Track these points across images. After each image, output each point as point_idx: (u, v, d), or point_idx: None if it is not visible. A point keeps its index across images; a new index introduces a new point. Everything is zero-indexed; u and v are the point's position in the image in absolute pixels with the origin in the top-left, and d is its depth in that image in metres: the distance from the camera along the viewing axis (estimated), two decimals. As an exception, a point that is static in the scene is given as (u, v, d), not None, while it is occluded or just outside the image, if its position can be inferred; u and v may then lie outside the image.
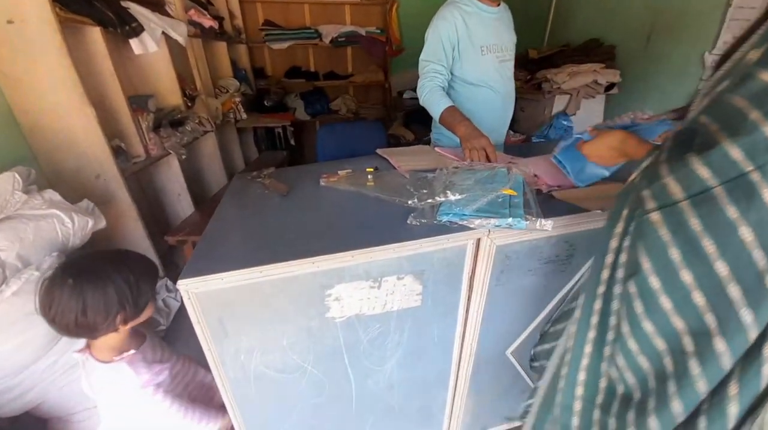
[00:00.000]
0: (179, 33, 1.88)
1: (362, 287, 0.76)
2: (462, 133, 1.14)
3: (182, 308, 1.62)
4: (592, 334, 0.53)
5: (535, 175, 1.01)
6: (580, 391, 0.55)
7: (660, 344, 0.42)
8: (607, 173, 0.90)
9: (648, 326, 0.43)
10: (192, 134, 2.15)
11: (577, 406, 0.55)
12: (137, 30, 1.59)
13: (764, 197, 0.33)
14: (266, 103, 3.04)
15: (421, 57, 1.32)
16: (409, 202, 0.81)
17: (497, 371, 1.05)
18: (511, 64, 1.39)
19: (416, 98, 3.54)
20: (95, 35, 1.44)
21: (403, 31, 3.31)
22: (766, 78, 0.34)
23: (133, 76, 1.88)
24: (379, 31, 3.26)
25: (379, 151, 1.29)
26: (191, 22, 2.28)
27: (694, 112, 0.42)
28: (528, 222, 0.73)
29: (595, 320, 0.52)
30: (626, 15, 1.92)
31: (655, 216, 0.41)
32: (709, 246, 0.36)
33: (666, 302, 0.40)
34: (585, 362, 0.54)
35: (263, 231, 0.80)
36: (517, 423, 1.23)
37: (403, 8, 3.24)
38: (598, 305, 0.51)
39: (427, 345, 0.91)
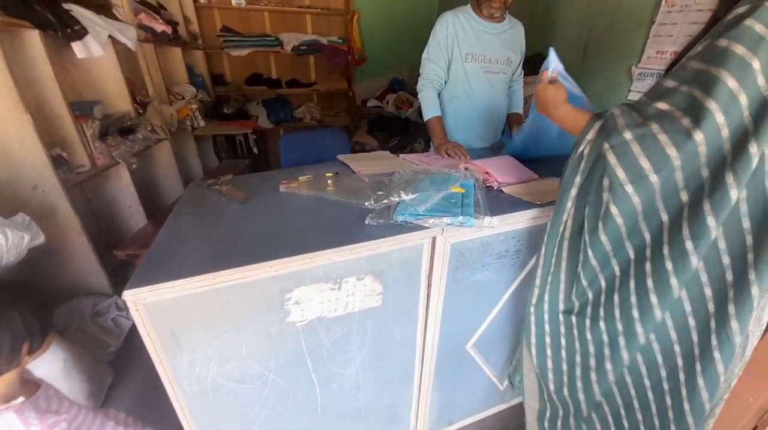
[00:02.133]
0: (128, 37, 1.80)
1: (322, 290, 0.77)
2: (437, 143, 1.41)
3: (135, 328, 1.51)
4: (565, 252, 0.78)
5: (487, 173, 1.08)
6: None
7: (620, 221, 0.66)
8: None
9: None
10: (144, 142, 2.04)
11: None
12: (80, 33, 1.50)
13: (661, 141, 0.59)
14: (226, 111, 2.96)
15: (423, 54, 1.47)
16: (366, 203, 0.84)
17: (459, 366, 1.09)
18: (502, 77, 1.51)
19: (380, 107, 3.59)
20: (33, 39, 1.35)
21: (364, 42, 3.38)
22: (695, 65, 0.57)
23: (78, 82, 1.77)
24: (340, 41, 3.30)
25: (340, 157, 1.31)
26: (142, 26, 2.18)
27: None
28: (477, 220, 0.78)
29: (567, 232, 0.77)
30: (565, 32, 2.11)
31: (633, 141, 0.62)
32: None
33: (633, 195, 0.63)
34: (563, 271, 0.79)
35: (219, 238, 0.79)
36: (481, 415, 1.28)
37: (363, 20, 3.31)
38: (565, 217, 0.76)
39: (390, 344, 0.93)
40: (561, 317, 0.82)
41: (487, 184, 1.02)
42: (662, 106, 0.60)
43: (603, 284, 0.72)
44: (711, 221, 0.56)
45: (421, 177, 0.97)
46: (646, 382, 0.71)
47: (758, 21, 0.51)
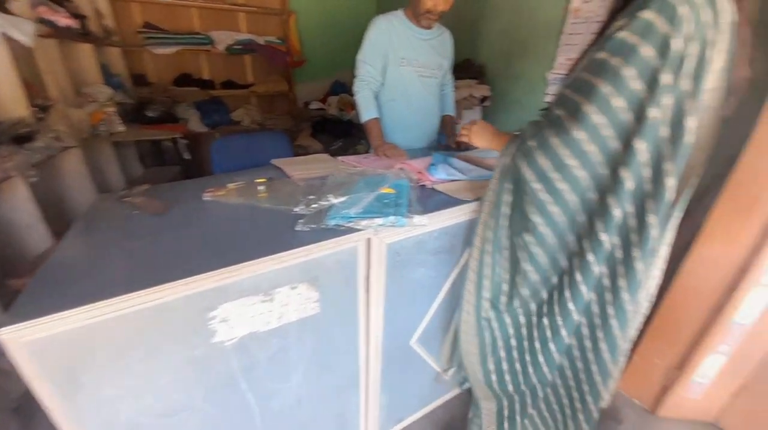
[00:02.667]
0: (24, 32, 1.55)
1: (252, 303, 0.72)
2: (374, 145, 1.44)
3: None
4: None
5: (420, 172, 1.10)
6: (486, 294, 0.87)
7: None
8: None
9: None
10: (46, 151, 1.77)
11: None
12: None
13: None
14: (150, 114, 2.69)
15: (358, 56, 1.46)
16: (296, 209, 0.80)
17: (405, 363, 1.10)
18: (435, 81, 1.56)
19: (323, 109, 3.53)
20: None
21: (303, 43, 3.31)
22: (581, 75, 0.64)
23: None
24: (278, 41, 3.19)
25: (274, 161, 1.26)
26: (41, 20, 1.90)
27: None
28: (408, 219, 0.79)
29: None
30: (491, 41, 2.28)
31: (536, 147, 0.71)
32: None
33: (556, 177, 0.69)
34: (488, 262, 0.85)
35: (127, 257, 0.70)
36: (429, 408, 1.30)
37: (301, 20, 3.24)
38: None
39: (332, 351, 0.91)
40: (506, 313, 0.87)
41: (421, 184, 1.04)
42: (559, 111, 0.67)
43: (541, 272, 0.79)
44: (616, 211, 0.63)
45: (356, 179, 0.96)
46: (565, 357, 0.79)
47: (631, 33, 0.57)
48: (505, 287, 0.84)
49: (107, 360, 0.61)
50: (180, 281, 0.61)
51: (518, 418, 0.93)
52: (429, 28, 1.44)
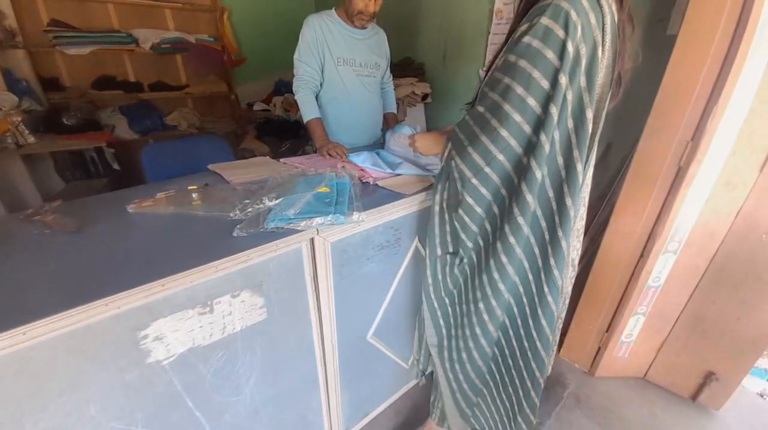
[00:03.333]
0: None
1: (189, 317, 0.68)
2: (319, 144, 1.41)
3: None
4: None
5: (362, 169, 1.11)
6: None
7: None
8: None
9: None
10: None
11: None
12: None
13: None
14: (66, 122, 2.41)
15: (295, 56, 1.46)
16: (231, 214, 0.77)
17: (364, 358, 1.11)
18: (374, 80, 1.57)
19: (267, 110, 3.41)
20: None
21: (240, 40, 3.16)
22: (497, 75, 0.70)
23: None
24: (212, 39, 3.01)
25: (211, 166, 1.20)
26: None
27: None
28: (348, 217, 0.79)
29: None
30: (427, 39, 2.37)
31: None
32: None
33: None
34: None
35: (40, 279, 0.63)
36: (393, 399, 1.33)
37: (235, 16, 3.08)
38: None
39: (286, 356, 0.89)
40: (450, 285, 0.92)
41: (363, 181, 1.06)
42: (480, 109, 0.72)
43: (473, 256, 0.83)
44: (529, 197, 0.69)
45: (297, 179, 0.94)
46: (509, 323, 0.86)
47: (534, 38, 0.63)
48: (448, 260, 0.89)
49: (19, 398, 0.55)
50: (101, 300, 0.56)
51: (471, 394, 0.99)
52: (363, 28, 1.45)
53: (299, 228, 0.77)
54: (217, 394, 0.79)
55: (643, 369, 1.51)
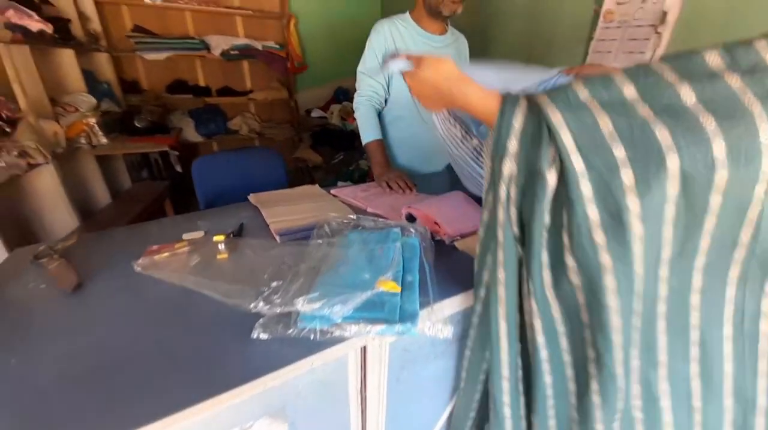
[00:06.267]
0: None
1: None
2: (377, 172, 1.18)
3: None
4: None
5: (436, 223, 0.84)
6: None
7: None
8: None
9: None
10: (9, 171, 1.58)
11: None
12: None
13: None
14: (137, 124, 2.48)
15: (359, 68, 1.26)
16: (252, 305, 0.54)
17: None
18: None
19: (324, 117, 3.28)
20: None
21: (305, 48, 3.08)
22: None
23: None
24: (278, 46, 2.96)
25: (251, 197, 1.01)
26: (10, 26, 1.70)
27: None
28: (416, 323, 0.52)
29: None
30: (504, 49, 2.07)
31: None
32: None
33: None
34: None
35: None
36: None
37: (302, 25, 3.01)
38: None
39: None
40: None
41: (436, 238, 0.78)
42: None
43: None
44: None
45: (349, 238, 0.70)
46: None
47: None
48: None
49: None
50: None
51: None
52: (453, 14, 1.16)
53: (347, 334, 0.52)
54: None
55: None
